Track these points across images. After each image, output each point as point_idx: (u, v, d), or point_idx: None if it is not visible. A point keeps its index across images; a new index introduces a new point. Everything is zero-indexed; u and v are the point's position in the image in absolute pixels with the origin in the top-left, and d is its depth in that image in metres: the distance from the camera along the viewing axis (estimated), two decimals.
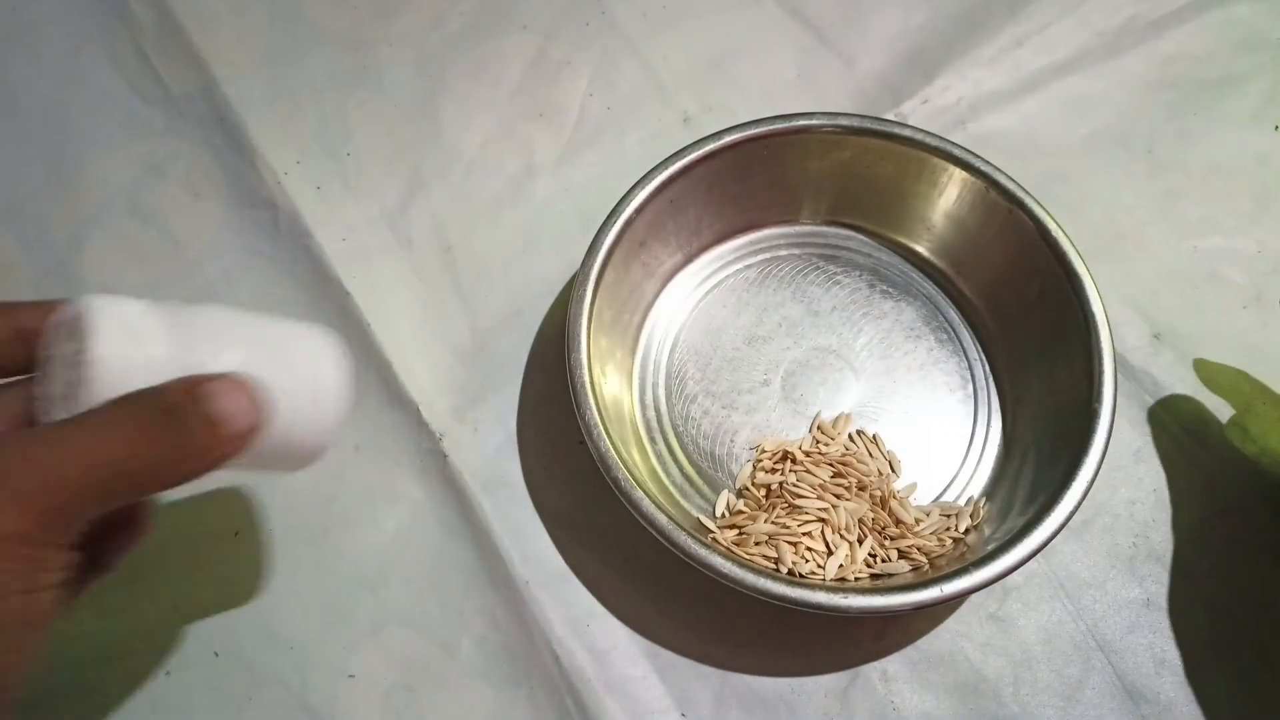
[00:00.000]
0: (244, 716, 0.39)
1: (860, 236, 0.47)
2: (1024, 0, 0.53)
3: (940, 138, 0.43)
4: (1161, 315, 0.46)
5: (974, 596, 0.40)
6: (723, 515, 0.41)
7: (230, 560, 0.41)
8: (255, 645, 0.40)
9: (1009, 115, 0.51)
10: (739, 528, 0.40)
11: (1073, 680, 0.39)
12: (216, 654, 0.39)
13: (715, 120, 0.51)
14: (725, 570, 0.35)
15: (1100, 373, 0.38)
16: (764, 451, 0.42)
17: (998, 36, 0.53)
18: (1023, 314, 0.43)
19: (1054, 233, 0.41)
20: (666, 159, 0.42)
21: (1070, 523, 0.36)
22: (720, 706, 0.39)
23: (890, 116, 0.51)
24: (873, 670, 0.39)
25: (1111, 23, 0.53)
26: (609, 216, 0.41)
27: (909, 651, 0.40)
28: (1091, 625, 0.40)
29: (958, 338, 0.45)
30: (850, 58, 0.53)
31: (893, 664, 0.39)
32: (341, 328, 0.45)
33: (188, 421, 0.25)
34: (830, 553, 0.39)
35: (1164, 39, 0.53)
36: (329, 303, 0.46)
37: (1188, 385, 0.45)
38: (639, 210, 0.42)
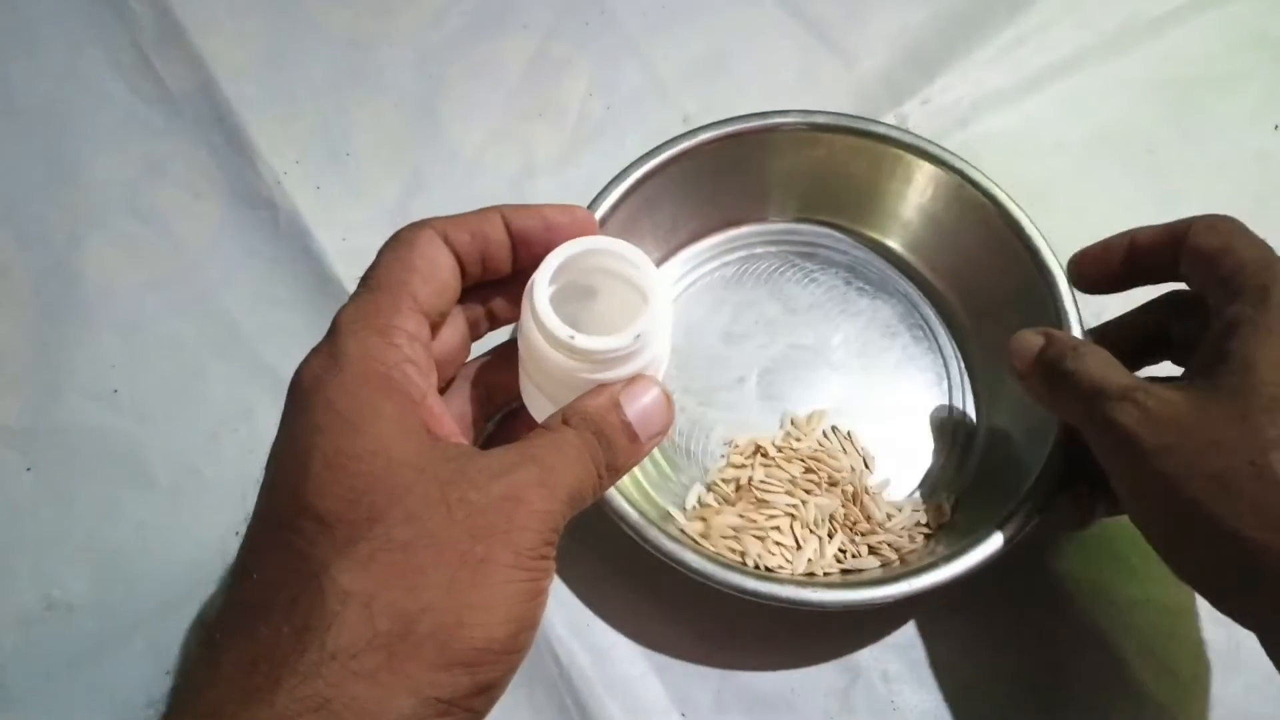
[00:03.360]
0: None
1: (837, 234, 0.47)
2: (1024, 0, 0.53)
3: (913, 134, 0.44)
4: None
5: (974, 596, 0.40)
6: (691, 509, 0.41)
7: (230, 560, 0.41)
8: None
9: (1009, 115, 0.51)
10: (705, 520, 0.40)
11: (1073, 680, 0.39)
12: None
13: (715, 120, 0.51)
14: (693, 564, 0.36)
15: None
16: (736, 446, 0.42)
17: (998, 36, 0.53)
18: (997, 309, 0.43)
19: (1027, 229, 0.41)
20: (639, 158, 0.42)
21: (1070, 523, 0.36)
22: (720, 706, 0.39)
23: (890, 117, 0.51)
24: (873, 670, 0.39)
25: (1111, 22, 0.53)
26: None
27: (909, 651, 0.40)
28: (1092, 625, 0.40)
29: (933, 334, 0.45)
30: (850, 57, 0.53)
31: (893, 664, 0.39)
32: None
33: (621, 445, 0.27)
34: (799, 547, 0.39)
35: (1164, 38, 0.53)
36: (329, 303, 0.46)
37: None
38: (613, 209, 0.42)
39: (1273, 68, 0.52)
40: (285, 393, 0.43)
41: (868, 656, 0.39)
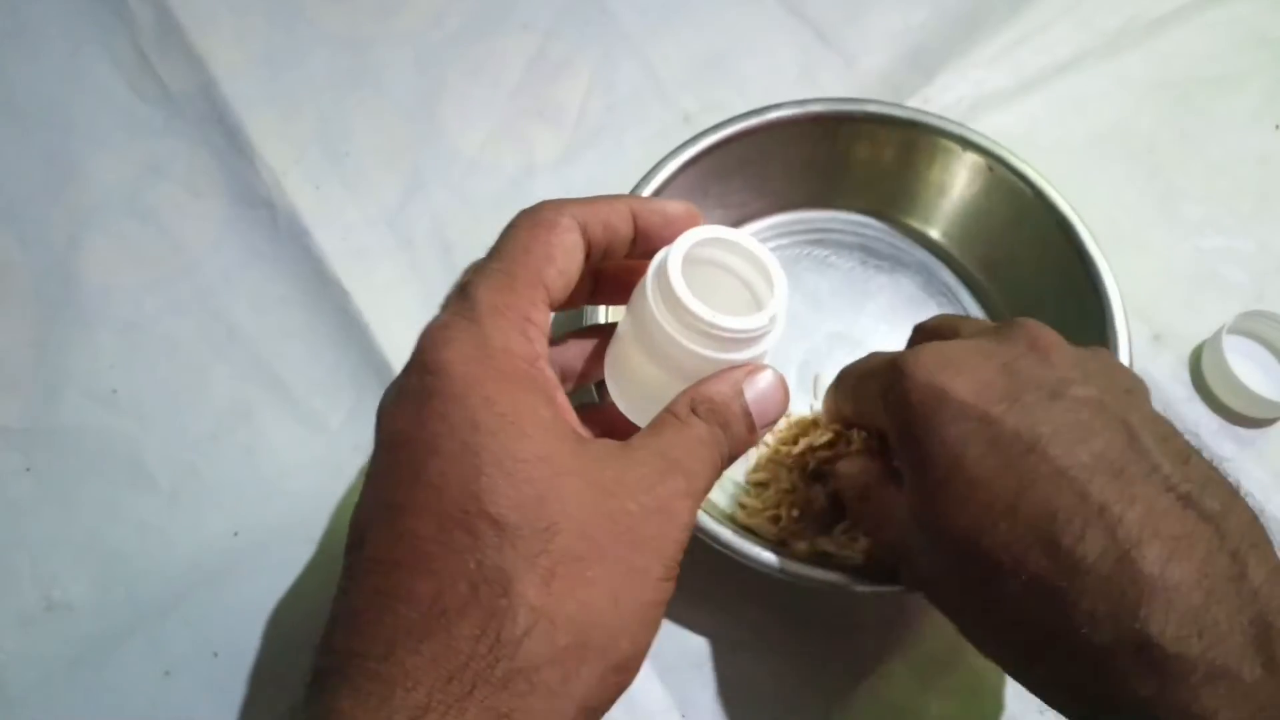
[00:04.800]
0: (244, 716, 0.39)
1: (843, 215, 0.47)
2: (1024, 0, 0.53)
3: (908, 108, 0.44)
4: (1161, 315, 0.46)
5: None
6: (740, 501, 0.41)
7: (230, 560, 0.41)
8: (255, 645, 0.40)
9: (1009, 115, 0.51)
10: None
11: None
12: (216, 654, 0.39)
13: (715, 119, 0.51)
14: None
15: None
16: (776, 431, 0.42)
17: (998, 36, 0.53)
18: (1019, 271, 0.44)
19: (1070, 219, 0.42)
20: (653, 168, 0.42)
21: None
22: (720, 706, 0.39)
23: None
24: (873, 671, 0.39)
25: (1112, 22, 0.53)
26: None
27: (909, 652, 0.40)
28: None
29: (958, 299, 0.46)
30: (851, 56, 0.53)
31: (893, 664, 0.39)
32: (340, 327, 0.45)
33: (740, 435, 0.28)
34: None
35: (1164, 38, 0.53)
36: (328, 302, 0.46)
37: (1186, 387, 0.45)
38: None
39: (1273, 68, 0.52)
40: (285, 392, 0.44)
41: (869, 657, 0.39)
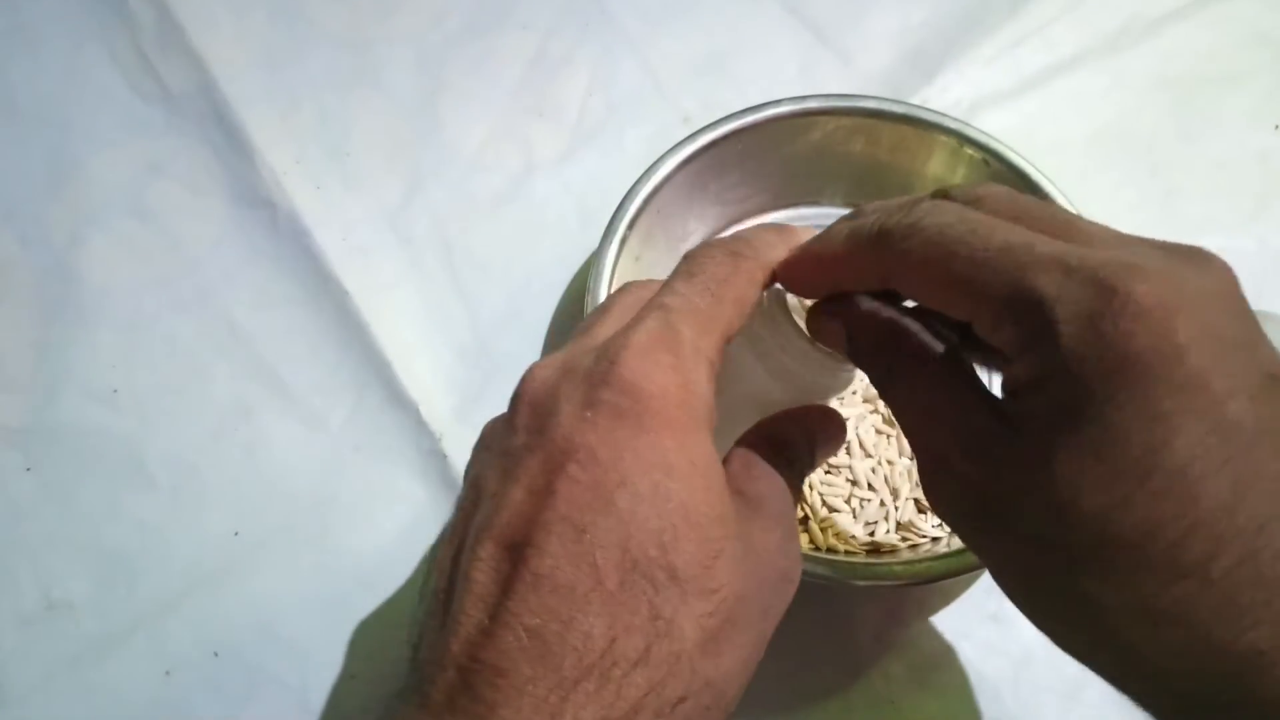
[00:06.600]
0: (244, 716, 0.39)
1: (842, 210, 0.47)
2: (1024, 0, 0.53)
3: (905, 103, 0.44)
4: None
5: (974, 596, 0.40)
6: None
7: (230, 560, 0.41)
8: (255, 645, 0.40)
9: (1009, 114, 0.51)
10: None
11: (1073, 680, 0.39)
12: (216, 654, 0.39)
13: (715, 119, 0.51)
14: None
15: None
16: None
17: (998, 35, 0.53)
18: None
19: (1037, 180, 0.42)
20: (649, 168, 0.42)
21: None
22: None
23: None
24: (873, 670, 0.39)
25: (1112, 21, 0.53)
26: (614, 215, 0.41)
27: (909, 651, 0.40)
28: None
29: None
30: (850, 57, 0.53)
31: (893, 664, 0.39)
32: (341, 326, 0.45)
33: (804, 478, 0.29)
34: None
35: (1164, 37, 0.53)
36: (328, 301, 0.46)
37: None
38: (636, 216, 0.41)
39: (1273, 67, 0.52)
40: (284, 391, 0.44)
41: (868, 656, 0.39)
